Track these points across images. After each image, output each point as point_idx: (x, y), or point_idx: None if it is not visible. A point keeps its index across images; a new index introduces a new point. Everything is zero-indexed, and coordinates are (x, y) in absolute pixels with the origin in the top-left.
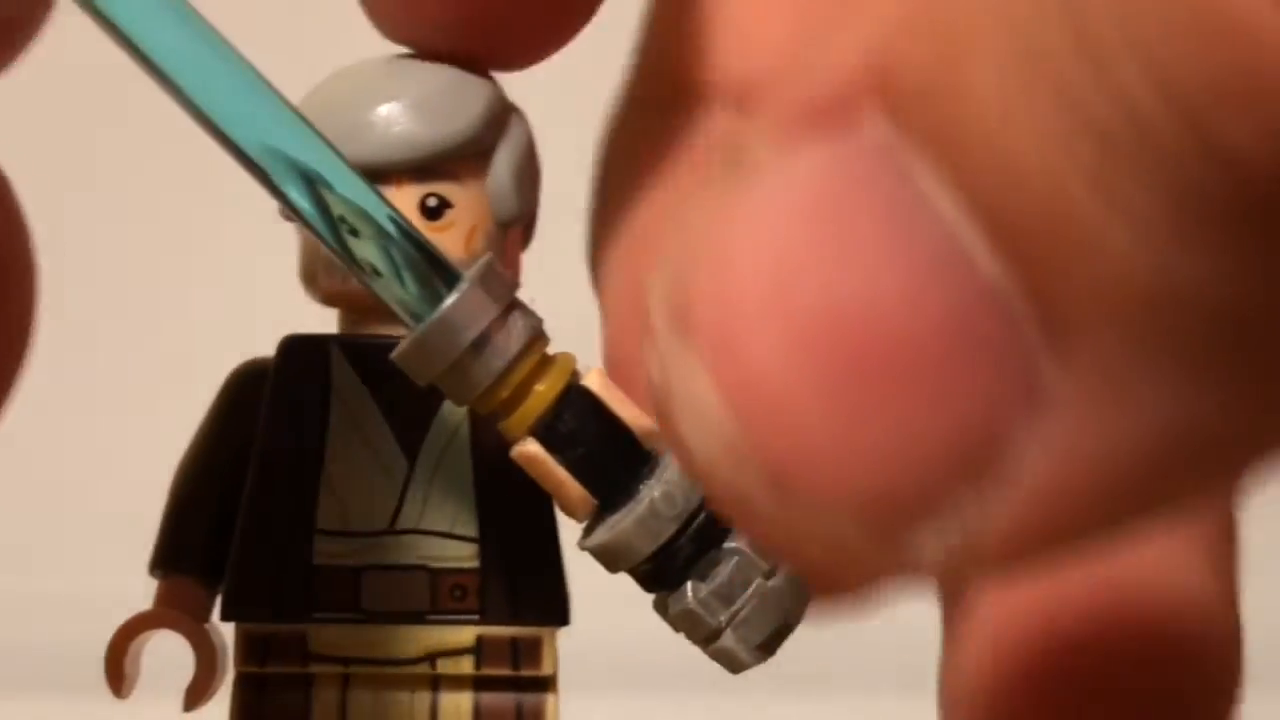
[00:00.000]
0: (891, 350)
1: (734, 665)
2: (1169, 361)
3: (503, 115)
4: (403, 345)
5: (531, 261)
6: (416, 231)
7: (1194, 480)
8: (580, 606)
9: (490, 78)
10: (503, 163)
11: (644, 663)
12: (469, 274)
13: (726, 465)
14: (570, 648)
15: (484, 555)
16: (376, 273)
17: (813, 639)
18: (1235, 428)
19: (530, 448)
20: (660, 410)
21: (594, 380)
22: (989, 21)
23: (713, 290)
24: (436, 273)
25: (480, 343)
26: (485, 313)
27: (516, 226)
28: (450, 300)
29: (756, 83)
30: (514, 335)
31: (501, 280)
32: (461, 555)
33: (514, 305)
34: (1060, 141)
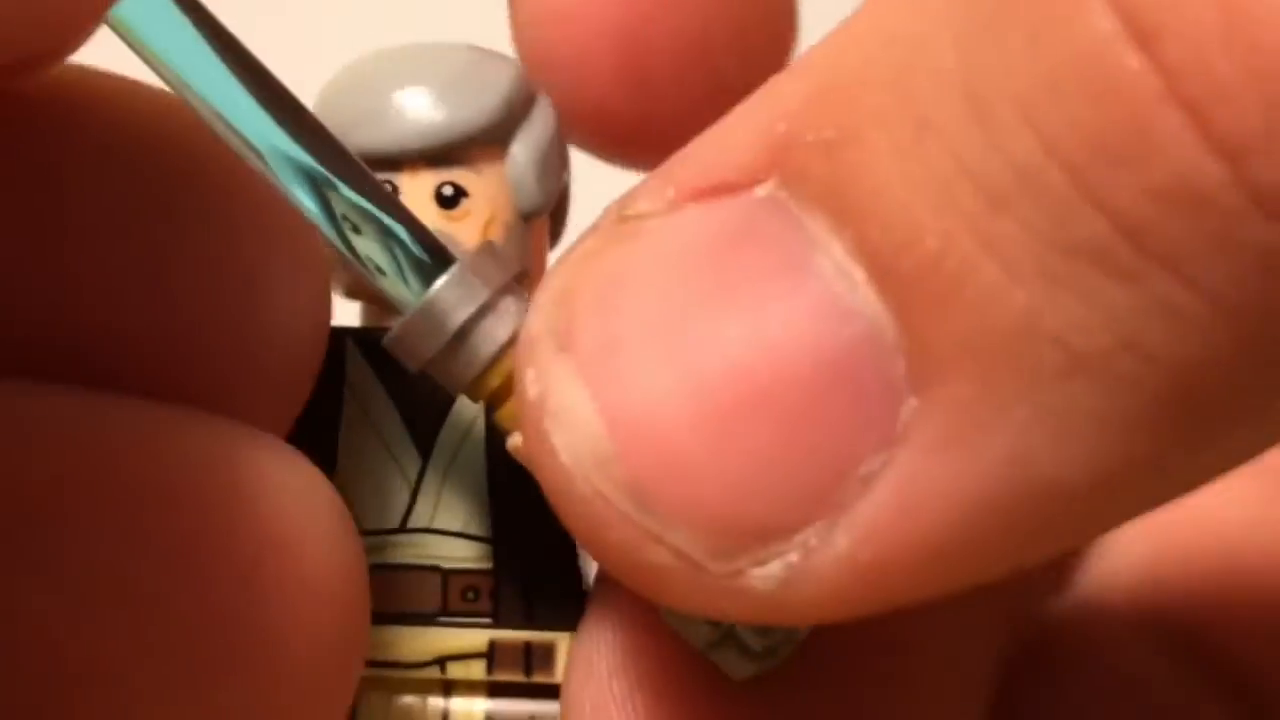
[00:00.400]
0: (763, 381)
1: (737, 672)
2: (1022, 404)
3: (525, 100)
4: (393, 330)
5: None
6: (421, 226)
7: (1042, 530)
8: None
9: (513, 60)
10: (522, 150)
11: None
12: (460, 262)
13: (593, 472)
14: None
15: (498, 557)
16: (380, 270)
17: None
18: (1083, 478)
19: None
20: (530, 416)
21: None
22: (886, 91)
23: (596, 318)
24: (438, 265)
25: (468, 328)
26: (474, 297)
27: (540, 217)
28: (438, 284)
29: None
30: (506, 321)
31: (497, 265)
32: (475, 556)
33: (508, 290)
34: (945, 190)
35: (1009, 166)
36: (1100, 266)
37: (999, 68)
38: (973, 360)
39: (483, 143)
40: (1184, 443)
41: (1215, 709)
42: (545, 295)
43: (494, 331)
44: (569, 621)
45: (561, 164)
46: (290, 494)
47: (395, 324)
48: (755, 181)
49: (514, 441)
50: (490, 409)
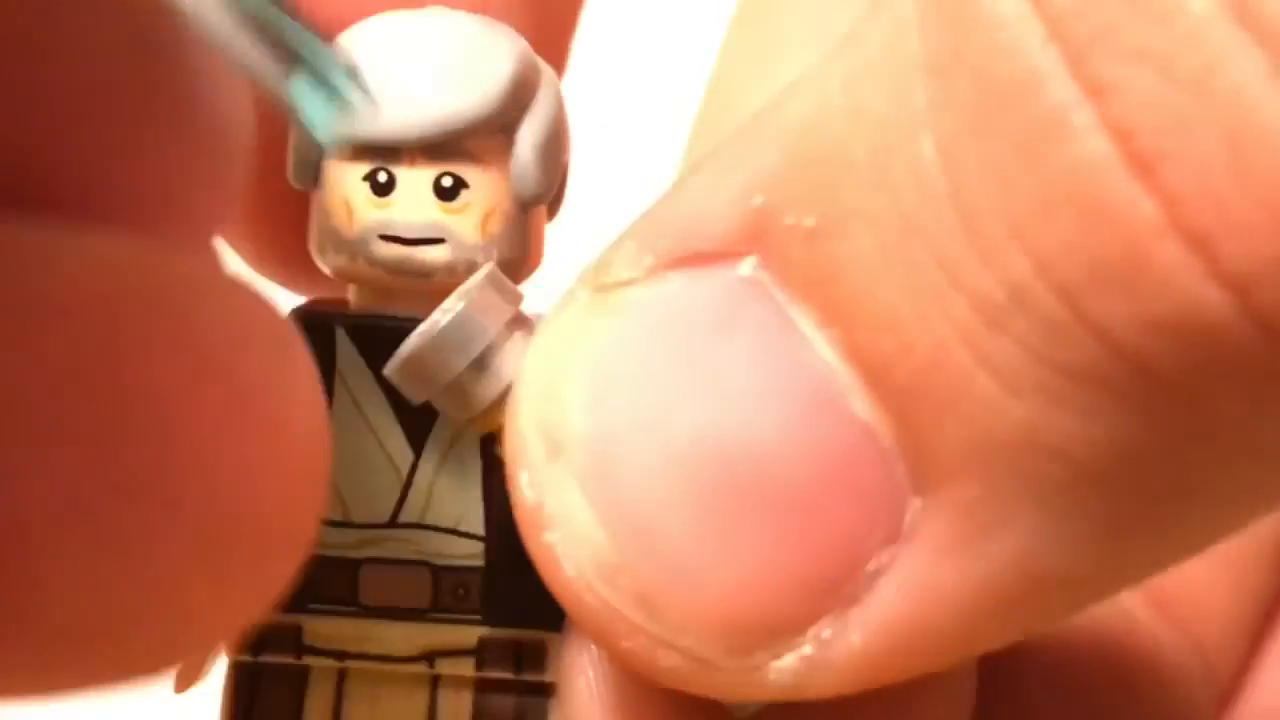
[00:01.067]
0: (760, 482)
1: (737, 709)
2: (1029, 509)
3: (529, 84)
4: (395, 362)
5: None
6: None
7: (1039, 614)
8: None
9: (516, 35)
10: (526, 140)
11: None
12: (472, 286)
13: (597, 580)
14: None
15: (490, 554)
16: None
17: None
18: (1088, 571)
19: None
20: (528, 521)
21: None
22: (866, 180)
23: (585, 415)
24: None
25: (482, 360)
26: (488, 329)
27: (541, 205)
28: (452, 317)
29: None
30: (513, 357)
31: (508, 292)
32: (466, 553)
33: (516, 324)
34: (936, 300)
35: (1001, 284)
36: (1100, 388)
37: (986, 181)
38: (976, 468)
39: (485, 132)
40: (1186, 537)
41: None
42: (530, 386)
43: (501, 370)
44: (558, 621)
45: (565, 144)
46: (224, 311)
47: (396, 357)
48: (735, 254)
49: None
50: (493, 439)
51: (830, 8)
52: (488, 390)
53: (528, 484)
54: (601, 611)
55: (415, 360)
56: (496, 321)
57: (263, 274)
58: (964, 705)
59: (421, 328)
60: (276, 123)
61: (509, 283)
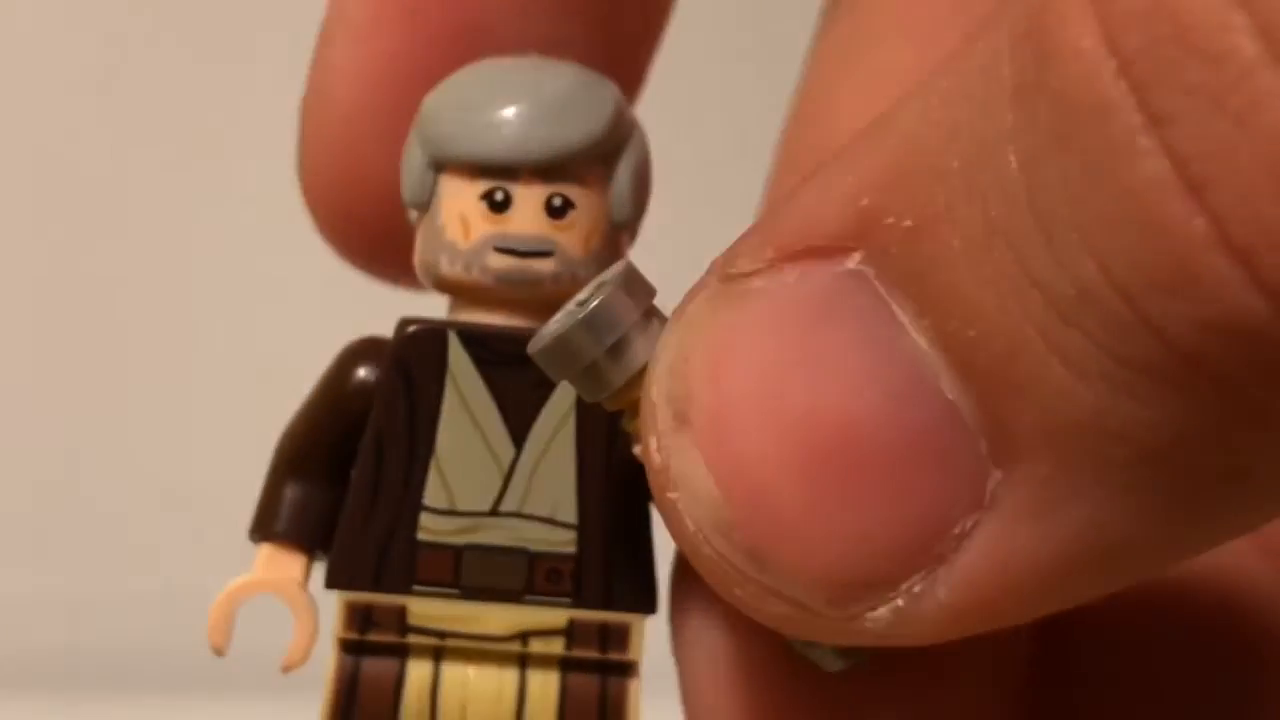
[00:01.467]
0: (862, 453)
1: (828, 664)
2: (1097, 485)
3: (628, 121)
4: (542, 342)
5: None
6: None
7: (1109, 577)
8: None
9: (612, 84)
10: (625, 167)
11: None
12: (613, 277)
13: (714, 536)
14: None
15: (581, 542)
16: None
17: None
18: (1151, 541)
19: None
20: (656, 482)
21: None
22: (957, 187)
23: (708, 388)
24: None
25: (620, 345)
26: (629, 315)
27: (627, 229)
28: (599, 301)
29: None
30: (651, 339)
31: (642, 284)
32: (560, 541)
33: (652, 309)
34: (1016, 295)
35: (1072, 285)
36: (1157, 379)
37: (1061, 193)
38: (1049, 447)
39: (592, 159)
40: (1240, 514)
41: None
42: (662, 363)
43: (641, 350)
44: (643, 605)
45: (650, 180)
46: None
47: (539, 336)
48: (844, 250)
49: (640, 448)
50: (586, 410)
51: (917, 5)
52: (620, 374)
53: (656, 448)
54: (717, 562)
55: (561, 342)
56: (632, 312)
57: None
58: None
59: (567, 309)
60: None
61: (644, 277)
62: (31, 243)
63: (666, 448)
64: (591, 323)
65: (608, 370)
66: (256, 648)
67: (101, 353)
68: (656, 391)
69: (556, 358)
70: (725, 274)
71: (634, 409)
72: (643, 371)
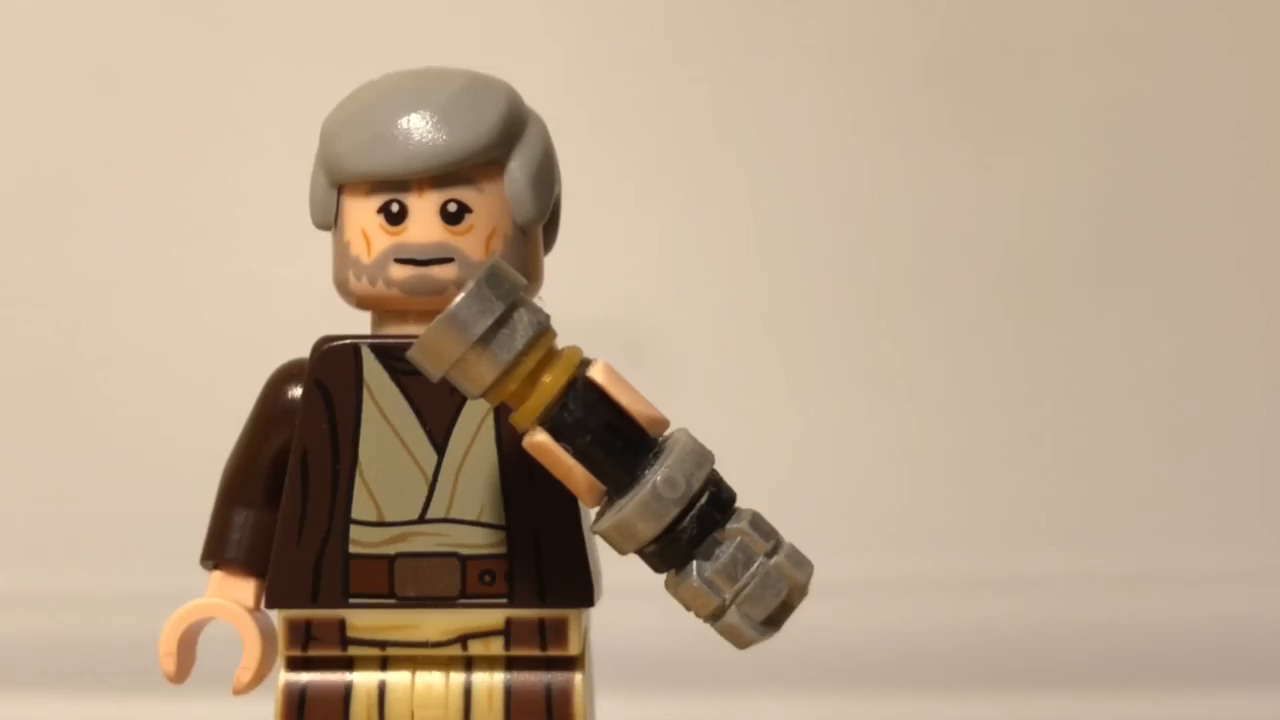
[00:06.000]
0: None
1: (740, 640)
2: None
3: (519, 120)
4: (416, 343)
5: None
6: None
7: None
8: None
9: (506, 84)
10: (518, 168)
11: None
12: (474, 278)
13: None
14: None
15: (511, 542)
16: None
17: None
18: None
19: (539, 437)
20: None
21: (599, 371)
22: None
23: None
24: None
25: (487, 337)
26: (491, 309)
27: (535, 228)
28: (459, 298)
29: None
30: (520, 330)
31: (508, 279)
32: (490, 542)
33: (519, 302)
34: None
35: None
36: None
37: None
38: None
39: (484, 162)
40: None
41: None
42: None
43: (511, 340)
44: (579, 599)
45: (554, 178)
46: None
47: (418, 338)
48: None
49: (530, 441)
50: (505, 410)
51: None
52: (491, 368)
53: None
54: None
55: (427, 342)
56: (495, 307)
57: None
58: None
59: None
60: None
61: (511, 272)
62: (31, 242)
63: None
64: (453, 320)
65: (477, 365)
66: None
67: (98, 352)
68: None
69: (427, 357)
70: None
71: (516, 401)
72: (515, 364)
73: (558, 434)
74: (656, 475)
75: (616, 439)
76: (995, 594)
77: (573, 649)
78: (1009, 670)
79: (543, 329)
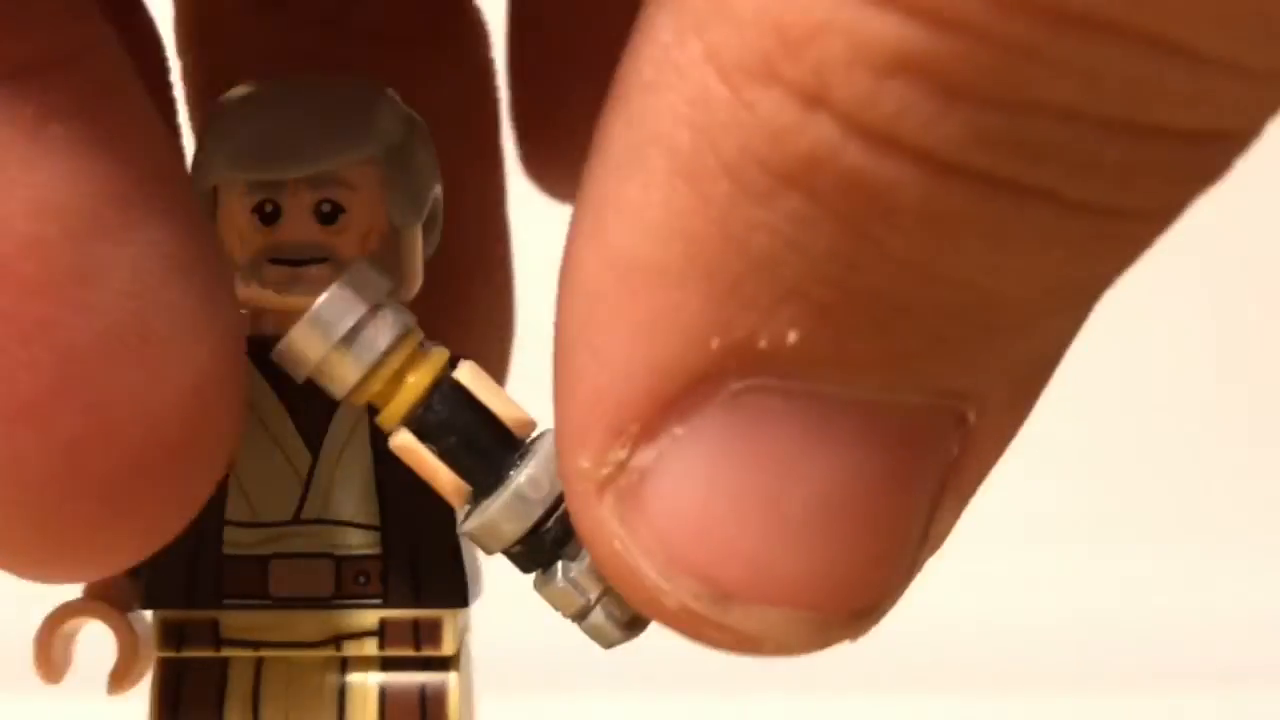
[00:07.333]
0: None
1: (604, 640)
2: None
3: (396, 123)
4: (281, 342)
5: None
6: None
7: None
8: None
9: (386, 88)
10: (395, 169)
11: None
12: (338, 280)
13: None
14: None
15: (386, 543)
16: None
17: None
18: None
19: (404, 438)
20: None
21: (465, 372)
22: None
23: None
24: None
25: (350, 337)
26: (354, 310)
27: (412, 229)
28: (320, 299)
29: None
30: (384, 331)
31: (372, 280)
32: (364, 543)
33: (383, 304)
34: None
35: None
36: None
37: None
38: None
39: (359, 163)
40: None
41: None
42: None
43: (374, 340)
44: (454, 599)
45: (432, 179)
46: None
47: (284, 338)
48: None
49: (395, 441)
50: (372, 411)
51: None
52: (355, 369)
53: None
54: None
55: (289, 343)
56: (358, 306)
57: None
58: None
59: None
60: None
61: (376, 274)
62: None
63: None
64: (315, 321)
65: (340, 365)
66: None
67: None
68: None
69: (290, 359)
70: (597, 480)
71: (381, 401)
72: (379, 364)
73: (423, 435)
74: (521, 475)
75: (482, 440)
76: (995, 594)
77: (447, 649)
78: (1009, 670)
79: (407, 330)
